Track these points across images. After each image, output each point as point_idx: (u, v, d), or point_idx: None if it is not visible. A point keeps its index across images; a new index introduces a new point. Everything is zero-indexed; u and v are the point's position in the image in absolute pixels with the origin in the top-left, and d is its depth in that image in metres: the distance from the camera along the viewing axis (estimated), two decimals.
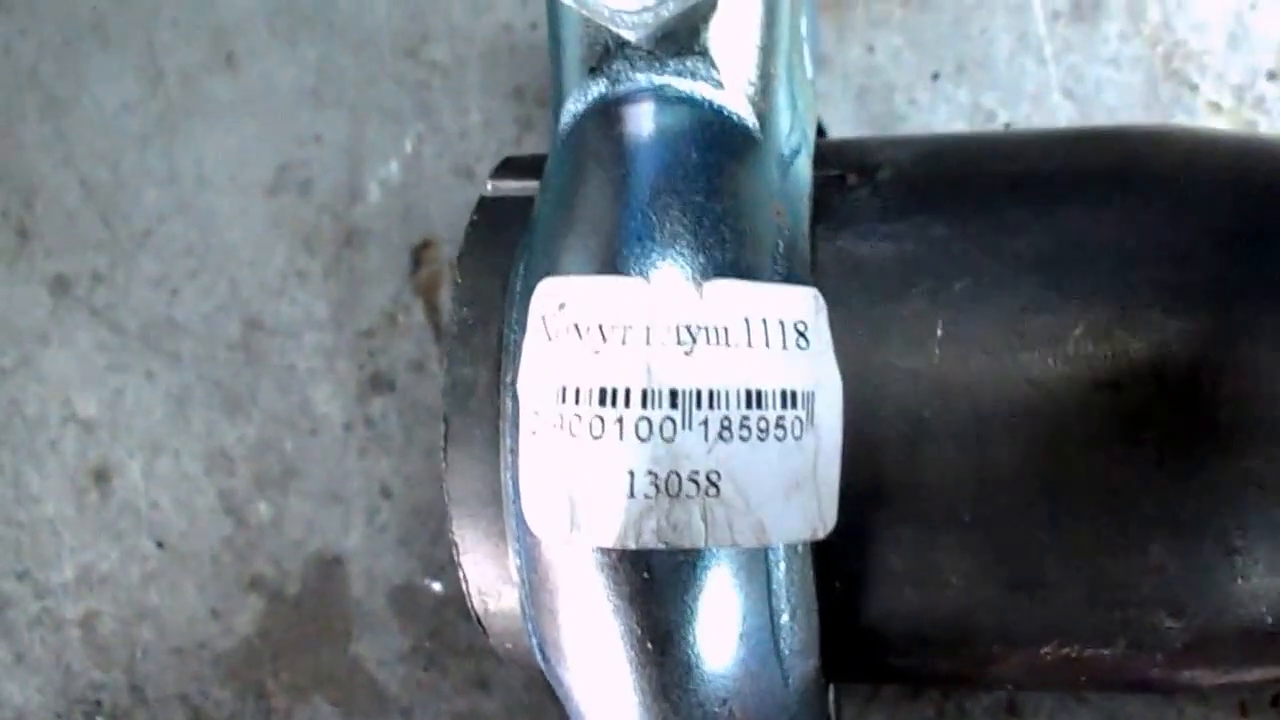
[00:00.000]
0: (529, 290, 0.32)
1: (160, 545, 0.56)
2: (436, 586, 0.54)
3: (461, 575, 0.37)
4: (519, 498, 0.32)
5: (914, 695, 0.49)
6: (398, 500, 0.54)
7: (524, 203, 0.36)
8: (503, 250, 0.36)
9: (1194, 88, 0.49)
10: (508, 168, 0.39)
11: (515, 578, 0.35)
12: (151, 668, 0.56)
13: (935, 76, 0.51)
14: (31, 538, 0.57)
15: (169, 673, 0.56)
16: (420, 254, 0.55)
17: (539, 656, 0.35)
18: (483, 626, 0.38)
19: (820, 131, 0.41)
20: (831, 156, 0.37)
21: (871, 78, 0.51)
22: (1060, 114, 0.50)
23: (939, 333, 0.33)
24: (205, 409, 0.56)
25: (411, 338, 0.55)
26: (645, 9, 0.32)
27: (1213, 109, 0.49)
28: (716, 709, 0.33)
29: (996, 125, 0.50)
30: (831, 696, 0.43)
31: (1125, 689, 0.40)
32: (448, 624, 0.54)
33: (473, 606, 0.37)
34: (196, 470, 0.56)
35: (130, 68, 0.57)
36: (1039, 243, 0.33)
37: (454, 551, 0.36)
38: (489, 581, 0.36)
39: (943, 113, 0.50)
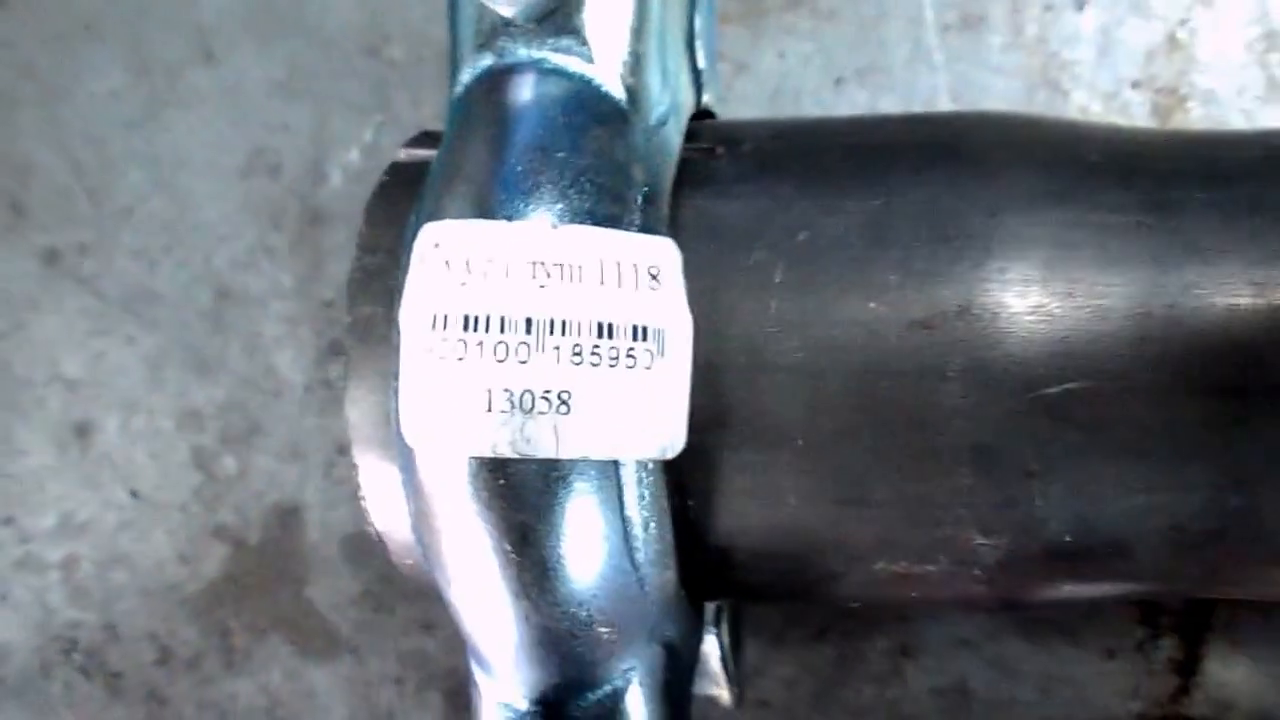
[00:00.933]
0: (415, 236, 0.35)
1: (134, 495, 0.59)
2: None
3: (361, 497, 0.39)
4: (397, 414, 0.35)
5: (818, 637, 0.54)
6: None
7: (428, 167, 0.39)
8: (404, 207, 0.39)
9: (1066, 94, 0.53)
10: (424, 139, 0.42)
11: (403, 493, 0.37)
12: (124, 608, 0.59)
13: (839, 81, 0.54)
14: (18, 486, 0.60)
15: (140, 613, 0.59)
16: None
17: (425, 565, 0.37)
18: (384, 544, 0.40)
19: (709, 114, 0.45)
20: (708, 133, 0.41)
21: (782, 81, 0.55)
22: None
23: (778, 279, 0.36)
24: (178, 371, 0.59)
25: None
26: None
27: (1082, 114, 0.52)
28: (574, 609, 0.35)
29: None
30: (725, 629, 0.47)
31: (959, 607, 0.41)
32: (396, 570, 0.56)
33: (373, 525, 0.40)
34: (169, 427, 0.59)
35: (119, 60, 0.60)
36: (868, 204, 0.37)
37: (354, 473, 0.39)
38: (387, 501, 0.39)
39: (845, 114, 0.53)
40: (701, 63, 0.44)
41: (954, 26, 0.54)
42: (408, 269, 0.35)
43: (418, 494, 0.36)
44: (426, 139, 0.42)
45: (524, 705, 0.38)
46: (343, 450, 0.58)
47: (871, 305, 0.35)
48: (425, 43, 0.58)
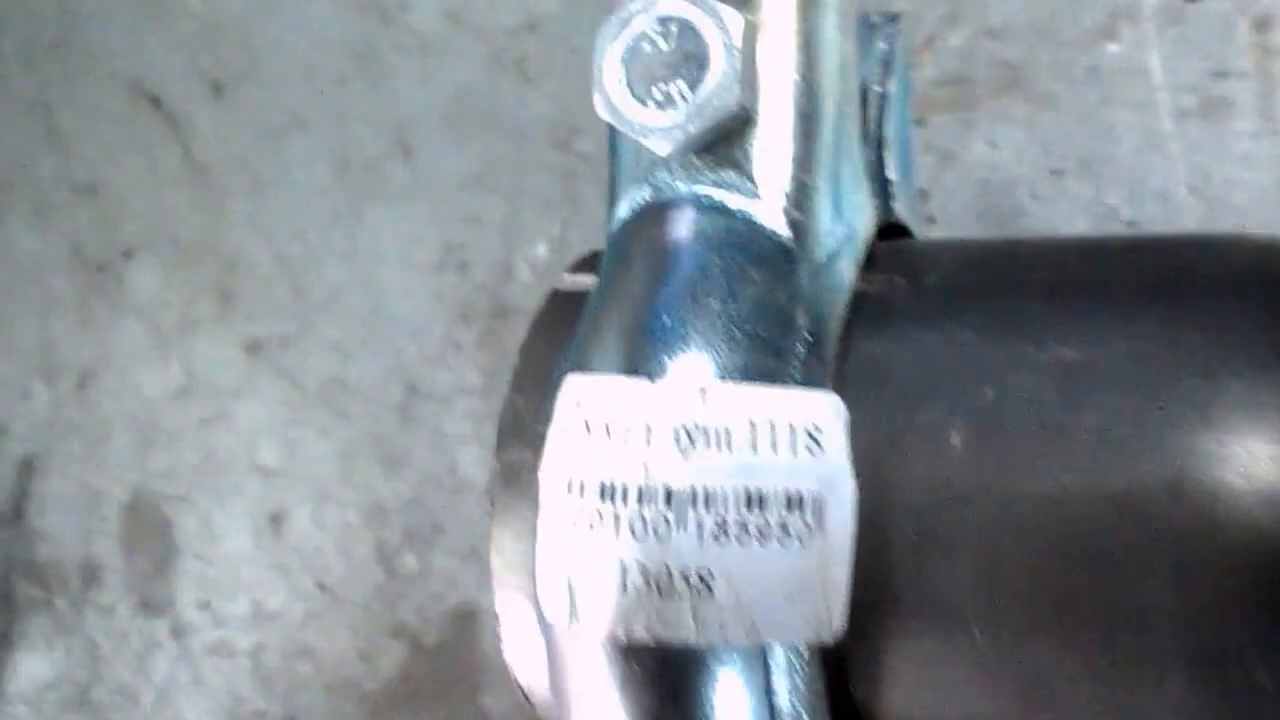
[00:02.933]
0: (558, 385, 0.33)
1: (321, 587, 0.60)
2: None
3: (505, 649, 0.37)
4: (535, 583, 0.33)
5: None
6: None
7: (587, 297, 0.36)
8: (560, 340, 0.36)
9: None
10: (589, 263, 0.39)
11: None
12: (306, 701, 0.60)
13: (1058, 173, 0.50)
14: (214, 571, 0.62)
15: (320, 708, 0.60)
16: None
17: None
18: (527, 698, 0.38)
19: (906, 232, 0.41)
20: (889, 259, 0.36)
21: (993, 173, 0.51)
22: (1187, 212, 0.48)
23: (956, 441, 0.32)
24: (367, 464, 0.60)
25: None
26: (674, 126, 0.33)
27: None
28: None
29: (1119, 222, 0.49)
30: None
31: None
32: None
33: (515, 679, 0.37)
34: (356, 520, 0.60)
35: (323, 154, 0.61)
36: (1065, 356, 0.31)
37: (497, 624, 0.36)
38: (530, 656, 0.36)
39: (1064, 208, 0.49)
40: (892, 173, 0.40)
41: (1192, 112, 0.49)
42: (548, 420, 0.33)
43: (554, 666, 0.33)
44: (593, 261, 0.39)
45: None
46: None
47: (1064, 478, 0.30)
48: None
